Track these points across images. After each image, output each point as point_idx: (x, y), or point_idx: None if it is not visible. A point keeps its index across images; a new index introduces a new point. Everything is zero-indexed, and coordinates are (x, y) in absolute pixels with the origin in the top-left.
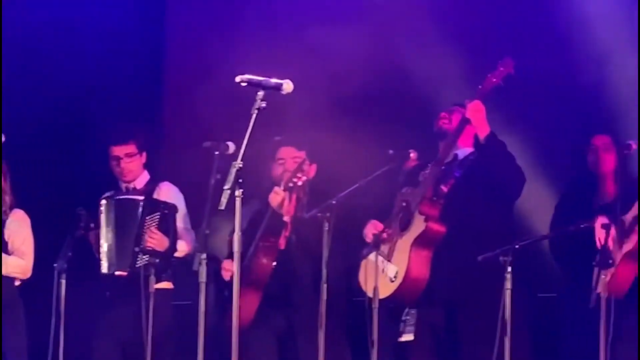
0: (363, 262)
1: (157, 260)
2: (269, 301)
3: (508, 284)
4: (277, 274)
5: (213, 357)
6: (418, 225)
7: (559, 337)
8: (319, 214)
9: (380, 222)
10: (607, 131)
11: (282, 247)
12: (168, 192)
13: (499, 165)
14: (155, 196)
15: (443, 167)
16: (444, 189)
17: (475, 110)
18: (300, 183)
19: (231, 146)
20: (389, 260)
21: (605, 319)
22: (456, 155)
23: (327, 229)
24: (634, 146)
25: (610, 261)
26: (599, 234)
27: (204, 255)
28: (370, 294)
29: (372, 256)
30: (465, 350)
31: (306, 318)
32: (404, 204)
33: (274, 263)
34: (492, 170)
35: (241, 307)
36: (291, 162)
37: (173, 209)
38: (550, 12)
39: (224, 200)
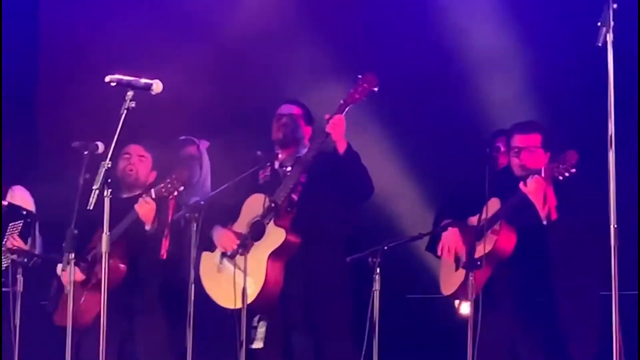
0: (209, 264)
1: (24, 260)
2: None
3: (376, 285)
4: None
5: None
6: (274, 237)
7: (427, 338)
8: (187, 214)
9: (234, 235)
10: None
11: (164, 257)
12: (23, 196)
13: (354, 176)
14: (9, 199)
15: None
16: (295, 197)
17: (335, 125)
18: (176, 193)
19: (100, 146)
20: (242, 270)
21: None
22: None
23: (194, 229)
24: (503, 149)
25: (479, 262)
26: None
27: (72, 255)
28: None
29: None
30: (329, 353)
31: (148, 321)
32: (272, 205)
33: (122, 265)
34: (347, 181)
35: (83, 308)
36: (136, 159)
37: (34, 216)
38: (421, 20)
39: (92, 200)
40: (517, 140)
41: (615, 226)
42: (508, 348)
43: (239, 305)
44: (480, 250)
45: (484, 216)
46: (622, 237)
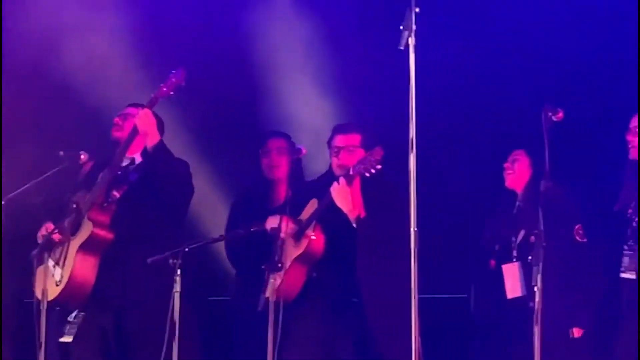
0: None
1: None
2: None
3: (177, 287)
4: None
5: None
6: (86, 231)
7: (231, 340)
8: None
9: (52, 224)
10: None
11: None
12: None
13: (166, 173)
14: None
15: (119, 172)
16: (117, 194)
17: (144, 119)
18: None
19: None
20: (57, 264)
21: (274, 323)
22: (133, 159)
23: None
24: (304, 151)
25: (280, 265)
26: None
27: None
28: (39, 296)
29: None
30: (133, 353)
31: None
32: (74, 206)
33: None
34: (159, 178)
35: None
36: None
37: None
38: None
39: None
40: (338, 140)
41: (416, 229)
42: (320, 348)
43: (51, 297)
44: (295, 251)
45: (301, 217)
46: (423, 239)
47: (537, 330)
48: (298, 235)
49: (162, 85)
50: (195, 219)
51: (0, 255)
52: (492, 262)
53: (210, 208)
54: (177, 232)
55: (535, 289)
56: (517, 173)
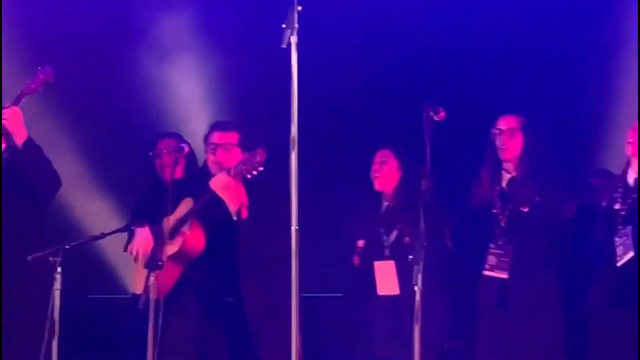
0: None
1: None
2: None
3: (57, 284)
4: None
5: None
6: None
7: (110, 338)
8: None
9: None
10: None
11: None
12: None
13: (35, 170)
14: None
15: None
16: None
17: (12, 117)
18: None
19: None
20: None
21: (154, 321)
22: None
23: None
24: (187, 149)
25: (160, 263)
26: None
27: None
28: None
29: None
30: (13, 351)
31: None
32: None
33: None
34: (28, 175)
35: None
36: None
37: None
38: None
39: None
40: (215, 137)
41: (297, 228)
42: (195, 348)
43: None
44: (168, 249)
45: (175, 215)
46: (303, 238)
47: (417, 328)
48: (172, 234)
49: (29, 81)
50: (79, 218)
51: (0, 255)
52: (356, 259)
53: (98, 207)
54: (46, 228)
55: (416, 288)
56: (385, 176)
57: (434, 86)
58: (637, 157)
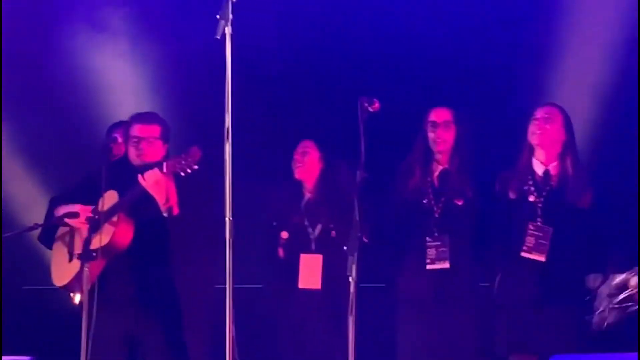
0: None
1: None
2: None
3: None
4: None
5: None
6: None
7: (44, 330)
8: None
9: None
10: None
11: None
12: None
13: None
14: None
15: None
16: None
17: None
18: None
19: None
20: None
21: (87, 313)
22: None
23: None
24: (120, 139)
25: (94, 254)
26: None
27: None
28: None
29: None
30: None
31: None
32: None
33: None
34: None
35: None
36: None
37: None
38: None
39: None
40: (136, 130)
41: (231, 218)
42: (124, 340)
43: None
44: (96, 242)
45: (100, 208)
46: (238, 229)
47: (351, 320)
48: (94, 228)
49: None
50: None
51: (0, 252)
52: (280, 251)
53: (25, 195)
54: None
55: (350, 279)
56: (306, 165)
57: (363, 78)
58: (542, 147)
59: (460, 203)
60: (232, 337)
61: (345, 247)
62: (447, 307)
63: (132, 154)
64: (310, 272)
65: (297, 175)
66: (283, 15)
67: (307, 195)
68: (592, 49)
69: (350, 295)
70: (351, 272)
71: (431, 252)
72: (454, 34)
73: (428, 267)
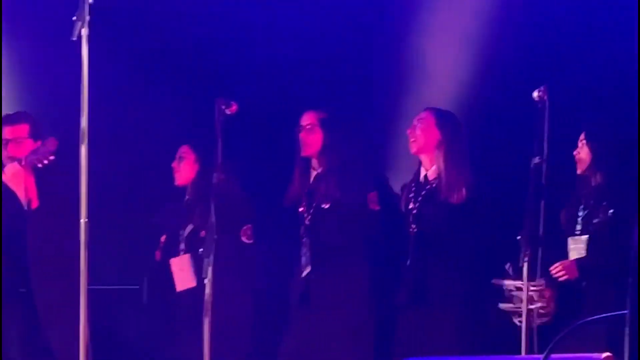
0: None
1: None
2: None
3: None
4: None
5: None
6: None
7: None
8: None
9: None
10: None
11: None
12: None
13: None
14: None
15: None
16: None
17: None
18: None
19: None
20: None
21: None
22: None
23: None
24: None
25: None
26: None
27: None
28: None
29: None
30: None
31: None
32: None
33: None
34: None
35: None
36: None
37: None
38: None
39: None
40: (5, 132)
41: (86, 220)
42: None
43: None
44: None
45: None
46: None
47: (206, 321)
48: None
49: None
50: None
51: (0, 254)
52: (158, 254)
53: None
54: None
55: (206, 281)
56: (183, 170)
57: (232, 81)
58: (424, 154)
59: (326, 207)
60: (87, 337)
61: (200, 250)
62: (317, 313)
63: (4, 155)
64: (182, 273)
65: (176, 180)
66: (144, 18)
67: (186, 197)
68: (454, 44)
69: (206, 297)
70: (207, 274)
71: (302, 260)
72: (326, 36)
73: (303, 274)
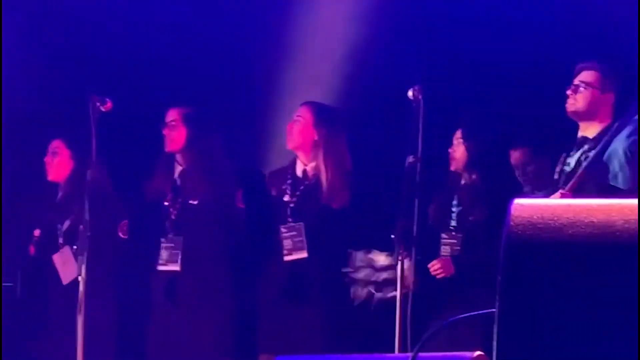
0: None
1: None
2: None
3: None
4: None
5: None
6: None
7: None
8: None
9: None
10: None
11: None
12: None
13: None
14: None
15: None
16: None
17: None
18: None
19: None
20: None
21: None
22: None
23: None
24: None
25: None
26: None
27: None
28: None
29: None
30: None
31: None
32: None
33: None
34: None
35: None
36: None
37: None
38: None
39: None
40: None
41: None
42: None
43: None
44: None
45: None
46: None
47: (80, 319)
48: None
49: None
50: None
51: (0, 255)
52: (32, 249)
53: None
54: None
55: (80, 278)
56: (57, 166)
57: (104, 77)
58: (297, 149)
59: (195, 203)
60: None
61: (74, 247)
62: (182, 309)
63: None
64: (65, 266)
65: (49, 176)
66: (15, 11)
67: (60, 193)
68: (330, 42)
69: (80, 294)
70: (81, 271)
71: (164, 254)
72: (199, 32)
73: (159, 267)
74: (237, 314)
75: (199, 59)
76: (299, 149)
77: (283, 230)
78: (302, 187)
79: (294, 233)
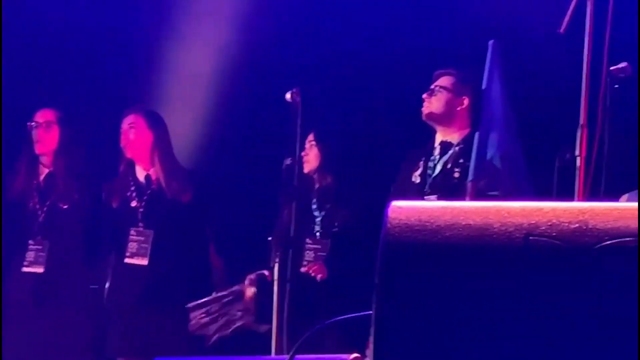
0: None
1: None
2: None
3: None
4: None
5: None
6: None
7: None
8: None
9: None
10: None
11: None
12: None
13: None
14: None
15: None
16: None
17: None
18: None
19: None
20: None
21: None
22: None
23: None
24: None
25: None
26: None
27: None
28: None
29: None
30: None
31: None
32: None
33: None
34: None
35: None
36: None
37: None
38: None
39: None
40: None
41: None
42: None
43: None
44: None
45: None
46: None
47: None
48: None
49: None
50: None
51: (0, 254)
52: None
53: None
54: None
55: None
56: None
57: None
58: (134, 157)
59: (65, 207)
60: None
61: None
62: (50, 310)
63: None
64: None
65: None
66: None
67: None
68: (208, 47)
69: None
70: None
71: (30, 255)
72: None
73: (24, 269)
74: (94, 317)
75: (69, 61)
76: (137, 157)
77: (132, 232)
78: (149, 192)
79: (142, 238)
